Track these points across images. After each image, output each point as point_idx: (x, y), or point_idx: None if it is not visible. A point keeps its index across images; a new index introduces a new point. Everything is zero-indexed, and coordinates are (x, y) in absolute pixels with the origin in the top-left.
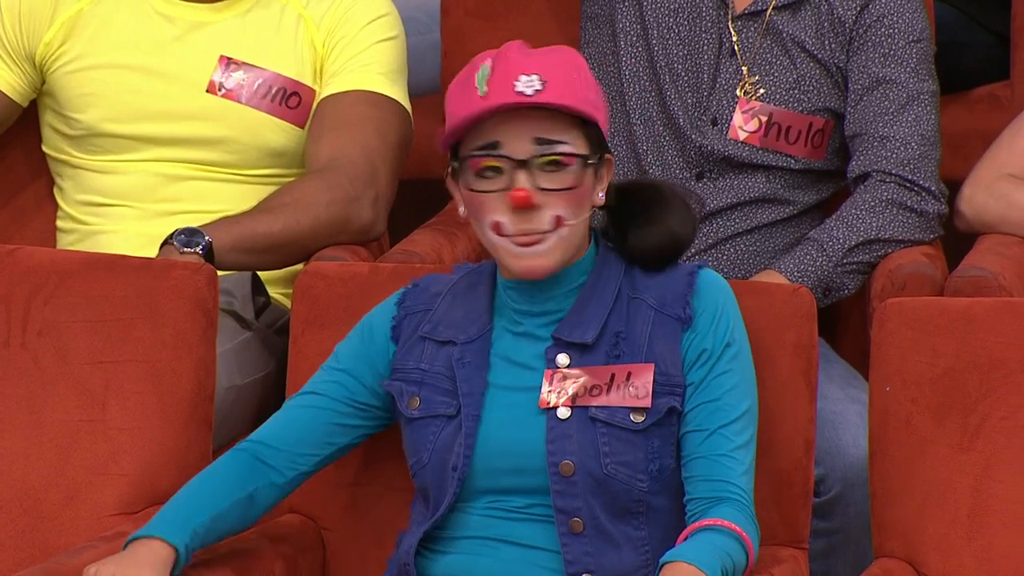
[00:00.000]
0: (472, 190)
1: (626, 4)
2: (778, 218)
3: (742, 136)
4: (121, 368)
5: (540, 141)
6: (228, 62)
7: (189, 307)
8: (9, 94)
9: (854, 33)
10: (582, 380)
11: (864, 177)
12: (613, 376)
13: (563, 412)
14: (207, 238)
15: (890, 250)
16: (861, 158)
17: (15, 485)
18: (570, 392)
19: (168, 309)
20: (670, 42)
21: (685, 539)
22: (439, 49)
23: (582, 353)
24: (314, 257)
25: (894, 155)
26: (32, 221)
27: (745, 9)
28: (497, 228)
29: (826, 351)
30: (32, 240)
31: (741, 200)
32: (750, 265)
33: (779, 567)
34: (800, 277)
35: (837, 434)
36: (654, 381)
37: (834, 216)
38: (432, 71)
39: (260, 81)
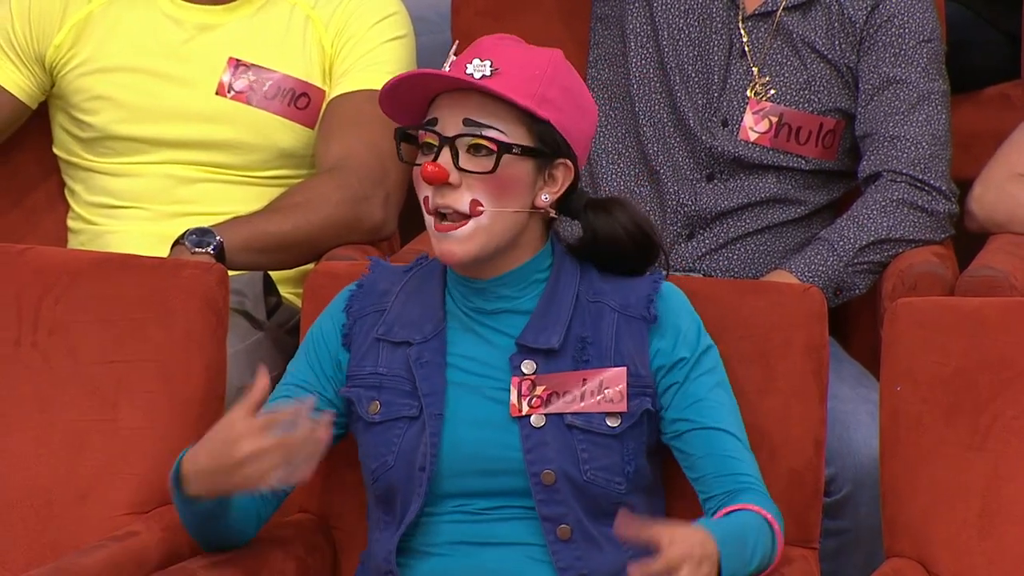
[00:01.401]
0: (413, 164)
1: (636, 5)
2: (789, 218)
3: (753, 137)
4: (132, 367)
5: (468, 122)
6: (237, 64)
7: (200, 306)
8: (19, 96)
9: (864, 33)
10: (553, 386)
11: (875, 177)
12: (585, 381)
13: (537, 420)
14: (218, 238)
15: (901, 250)
16: (872, 158)
17: (26, 484)
18: (543, 398)
19: (179, 309)
20: (680, 43)
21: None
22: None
23: (548, 359)
24: (324, 257)
25: (905, 155)
26: (43, 221)
27: (755, 10)
28: (425, 203)
29: (837, 351)
30: (43, 240)
31: (752, 201)
32: (761, 265)
33: (789, 567)
34: (811, 277)
35: (848, 434)
36: (628, 383)
37: (845, 216)
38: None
39: (269, 82)
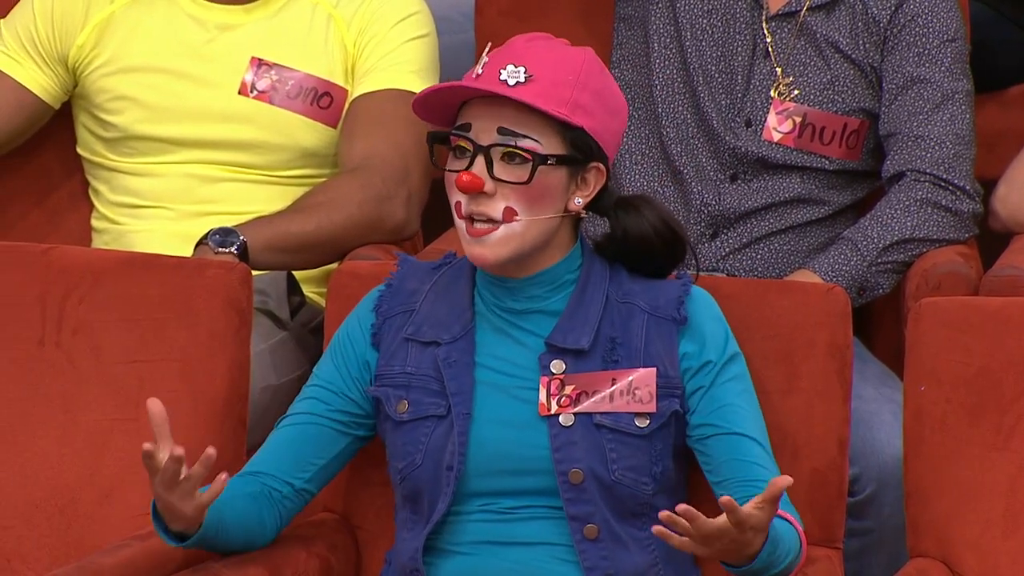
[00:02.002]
0: (444, 169)
1: (659, 6)
2: (813, 218)
3: (776, 137)
4: (155, 367)
5: (503, 131)
6: (259, 63)
7: (223, 306)
8: (42, 96)
9: (888, 33)
10: (582, 386)
11: (898, 176)
12: (614, 381)
13: (566, 419)
14: (241, 238)
15: (925, 249)
16: (895, 157)
17: (50, 484)
18: (572, 397)
19: (202, 308)
20: (704, 43)
21: None
22: (473, 48)
23: (577, 359)
24: (348, 256)
25: (929, 154)
26: (67, 221)
27: (779, 10)
28: (457, 208)
29: (860, 351)
30: (67, 240)
31: (775, 201)
32: (784, 264)
33: (813, 567)
34: (834, 276)
35: (871, 434)
36: (657, 384)
37: (868, 215)
38: (466, 70)
39: (292, 82)
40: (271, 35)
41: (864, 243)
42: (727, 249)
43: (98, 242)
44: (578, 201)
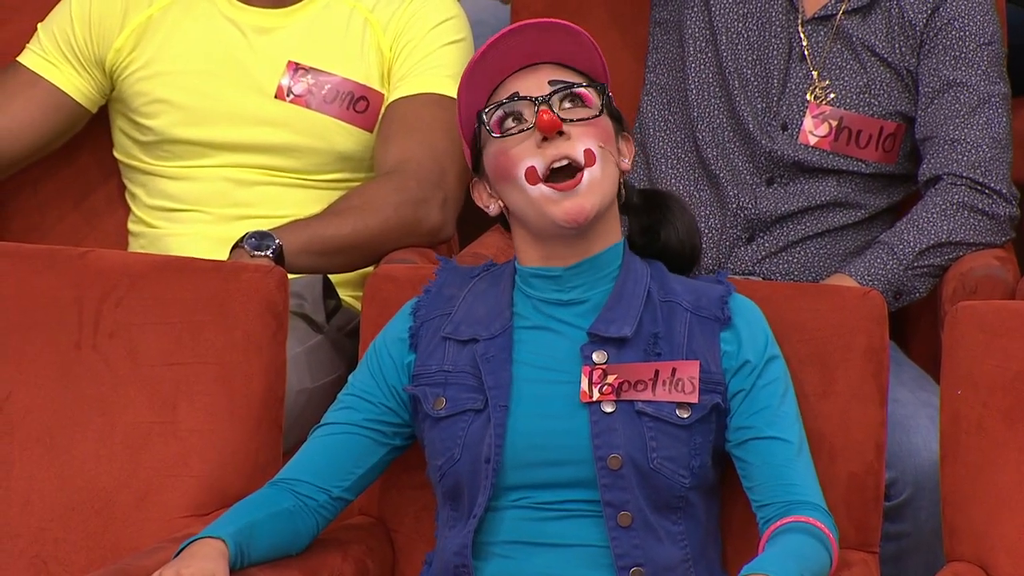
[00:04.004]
0: (499, 148)
1: (695, 10)
2: (849, 222)
3: (812, 141)
4: (192, 370)
5: (555, 83)
6: (296, 67)
7: (259, 310)
8: (80, 100)
9: (925, 36)
10: (624, 375)
11: (935, 180)
12: (658, 372)
13: (608, 406)
14: (277, 241)
15: (961, 253)
16: (932, 161)
17: (87, 486)
18: (614, 386)
19: (238, 312)
20: (739, 47)
21: (766, 543)
22: None
23: (620, 349)
24: (384, 260)
25: (965, 158)
26: (103, 224)
27: (815, 13)
28: (532, 175)
29: (897, 354)
30: (103, 243)
31: (812, 205)
32: (820, 268)
33: (849, 571)
34: (871, 280)
35: (908, 437)
36: (699, 378)
37: (905, 219)
38: None
39: (328, 86)
40: (308, 39)
41: (900, 247)
42: (763, 253)
43: (134, 246)
44: (626, 161)
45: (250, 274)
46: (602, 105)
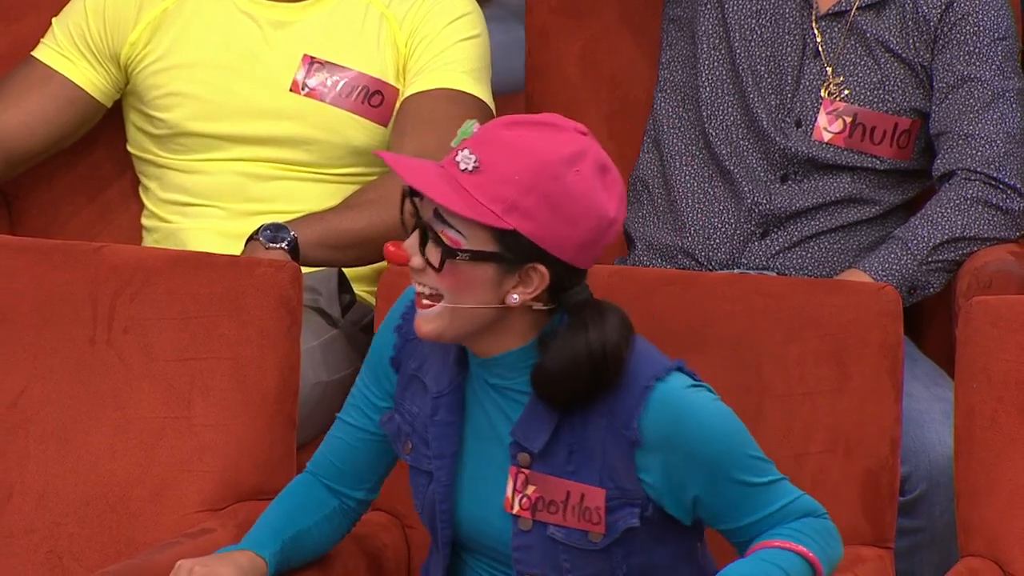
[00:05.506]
0: (405, 229)
1: (708, 7)
2: (863, 218)
3: (827, 137)
4: (206, 365)
5: (436, 214)
6: (311, 61)
7: (274, 304)
8: (94, 94)
9: (939, 32)
10: (541, 490)
11: (949, 175)
12: (569, 494)
13: (524, 523)
14: (292, 233)
15: (975, 248)
16: (946, 156)
17: (102, 481)
18: (532, 500)
19: (253, 306)
20: (753, 44)
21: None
22: (523, 48)
23: (540, 457)
24: None
25: (979, 153)
26: (118, 218)
27: (829, 9)
28: None
29: (911, 350)
30: (118, 238)
31: (826, 201)
32: (835, 263)
33: (864, 566)
34: (885, 276)
35: (922, 433)
36: (607, 503)
37: (919, 214)
38: (516, 69)
39: (343, 80)
40: (323, 33)
41: (914, 242)
42: (777, 248)
43: (148, 240)
44: (514, 297)
45: (264, 269)
46: (442, 262)
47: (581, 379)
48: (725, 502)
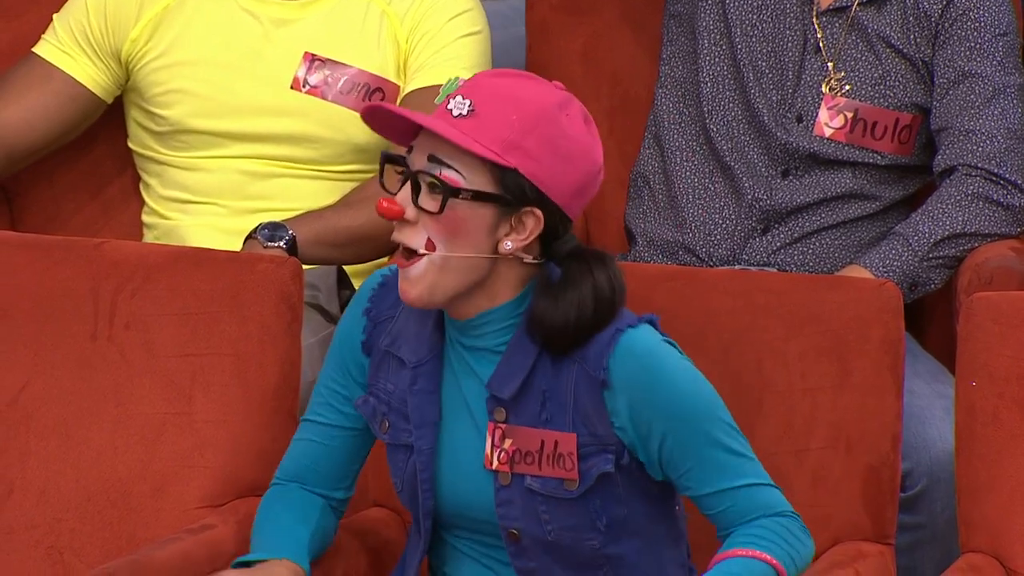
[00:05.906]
0: (388, 191)
1: (709, 3)
2: (864, 213)
3: (828, 132)
4: (207, 361)
5: (431, 159)
6: (312, 59)
7: (274, 300)
8: (95, 91)
9: (940, 27)
10: (517, 442)
11: (950, 171)
12: (543, 443)
13: (503, 477)
14: (290, 232)
15: (976, 244)
16: (947, 152)
17: (102, 477)
18: (509, 454)
19: (253, 302)
20: (754, 39)
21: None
22: (523, 44)
23: (514, 407)
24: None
25: (980, 149)
26: (119, 215)
27: (830, 5)
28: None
29: (912, 346)
30: (119, 234)
31: (827, 196)
32: (835, 259)
33: (865, 562)
34: (886, 272)
35: (923, 429)
36: (579, 450)
37: (920, 210)
38: (516, 65)
39: (344, 78)
40: (325, 31)
41: (915, 238)
42: (778, 244)
43: (148, 237)
44: (508, 244)
45: (265, 265)
46: (444, 202)
47: (588, 322)
48: (693, 456)
